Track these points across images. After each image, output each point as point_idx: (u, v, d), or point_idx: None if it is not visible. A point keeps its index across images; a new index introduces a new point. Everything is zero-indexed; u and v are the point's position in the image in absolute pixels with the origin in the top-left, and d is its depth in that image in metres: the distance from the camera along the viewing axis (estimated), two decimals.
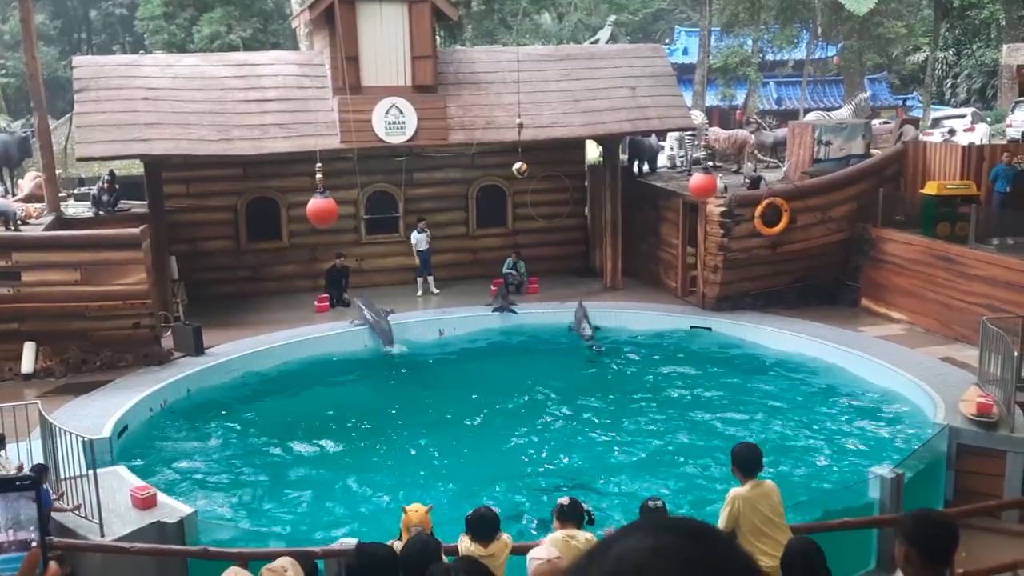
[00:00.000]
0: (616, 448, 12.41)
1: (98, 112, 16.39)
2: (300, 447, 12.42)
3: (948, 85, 44.07)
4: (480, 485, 11.09)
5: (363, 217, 20.09)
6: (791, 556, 5.01)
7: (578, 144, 21.31)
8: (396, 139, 17.32)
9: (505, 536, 6.15)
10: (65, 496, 9.00)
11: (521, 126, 16.10)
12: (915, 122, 22.60)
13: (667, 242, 19.18)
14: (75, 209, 18.71)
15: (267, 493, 11.03)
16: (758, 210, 16.84)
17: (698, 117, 24.84)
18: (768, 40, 38.06)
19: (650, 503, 6.41)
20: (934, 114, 31.75)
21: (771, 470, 8.84)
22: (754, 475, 6.45)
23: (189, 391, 13.94)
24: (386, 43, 17.11)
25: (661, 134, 22.18)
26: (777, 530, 6.33)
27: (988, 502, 9.70)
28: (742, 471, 6.45)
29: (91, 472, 8.54)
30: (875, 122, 26.10)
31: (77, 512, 8.81)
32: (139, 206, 18.12)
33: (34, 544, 1.64)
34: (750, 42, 37.90)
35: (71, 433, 9.37)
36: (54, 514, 8.68)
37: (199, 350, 14.90)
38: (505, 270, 19.28)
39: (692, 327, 17.02)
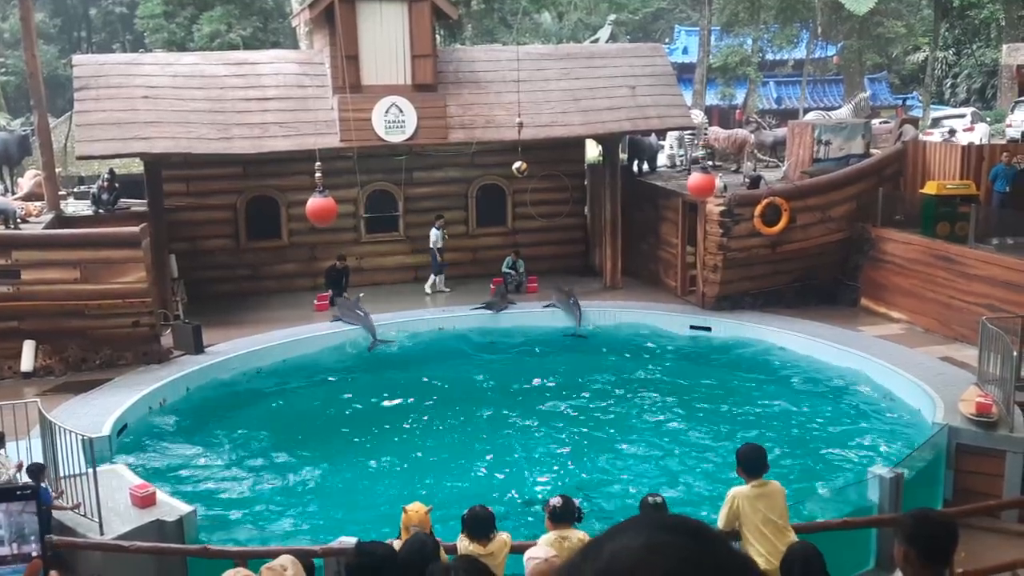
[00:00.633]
0: (616, 447, 12.41)
1: (98, 110, 16.38)
2: (299, 446, 12.42)
3: (948, 85, 44.06)
4: (480, 484, 11.10)
5: (363, 216, 20.09)
6: (790, 560, 5.02)
7: (578, 143, 21.30)
8: (396, 138, 17.32)
9: (504, 535, 6.15)
10: (65, 495, 9.00)
11: (521, 125, 16.09)
12: (915, 122, 22.60)
13: (667, 241, 19.18)
14: (75, 207, 18.71)
15: (266, 491, 11.03)
16: (758, 209, 16.84)
17: (698, 116, 24.84)
18: (768, 39, 38.04)
19: (650, 499, 6.40)
20: (934, 114, 31.73)
21: (770, 469, 8.82)
22: (759, 476, 6.44)
23: (188, 389, 13.94)
24: (386, 42, 17.11)
25: (661, 133, 22.18)
26: (777, 532, 6.31)
27: (987, 502, 9.70)
28: (747, 472, 6.45)
29: (90, 470, 8.54)
30: (875, 122, 26.11)
31: (77, 510, 8.82)
32: (139, 204, 18.13)
33: (34, 555, 1.65)
34: (750, 41, 37.88)
35: (71, 431, 9.38)
36: (54, 512, 8.69)
37: (198, 349, 14.90)
38: (504, 269, 19.29)
39: (691, 327, 17.01)
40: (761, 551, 6.18)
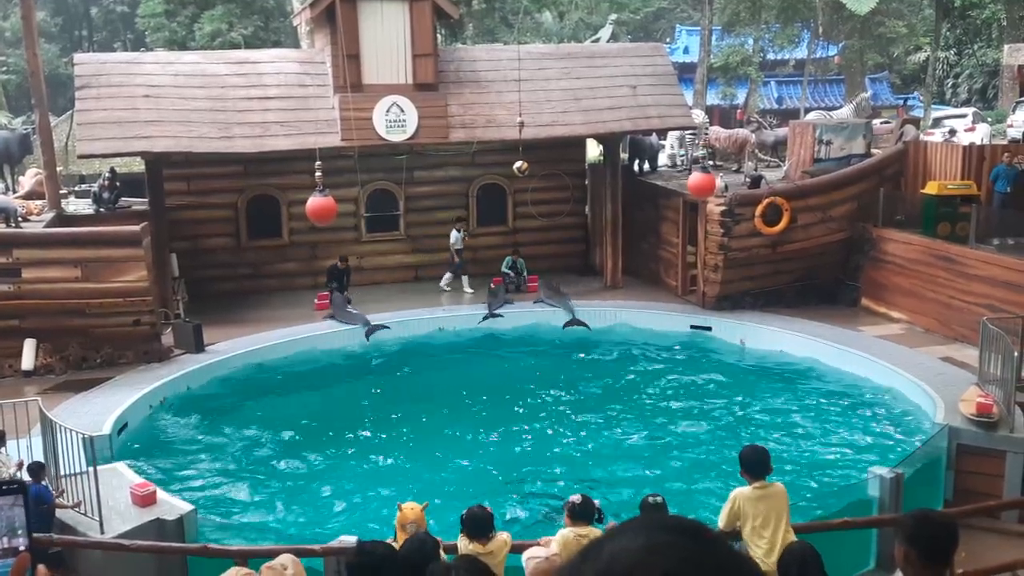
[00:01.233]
0: (616, 446, 12.41)
1: (99, 109, 16.38)
2: (300, 444, 12.43)
3: (949, 85, 44.06)
4: (481, 484, 11.10)
5: (363, 215, 20.09)
6: (787, 560, 5.02)
7: (579, 143, 21.30)
8: (397, 137, 17.32)
9: (504, 535, 6.16)
10: (65, 493, 9.00)
11: (522, 125, 16.09)
12: (916, 122, 22.59)
13: (667, 241, 19.17)
14: (76, 206, 18.71)
15: (267, 490, 11.04)
16: (758, 209, 16.84)
17: (699, 116, 24.83)
18: (769, 39, 38.03)
19: (650, 499, 6.41)
20: (935, 114, 31.72)
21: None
22: (762, 477, 6.44)
23: (189, 388, 13.95)
24: (387, 41, 17.11)
25: (661, 133, 22.18)
26: (777, 533, 6.32)
27: (988, 502, 9.69)
28: (750, 473, 6.46)
29: (91, 469, 8.55)
30: (876, 122, 26.09)
31: (77, 509, 8.82)
32: (140, 203, 18.12)
33: (22, 549, 1.66)
34: (751, 41, 37.88)
35: (71, 430, 9.38)
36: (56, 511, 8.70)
37: (199, 347, 14.91)
38: (503, 269, 19.29)
39: (692, 326, 17.01)
40: (761, 552, 6.18)
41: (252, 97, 17.17)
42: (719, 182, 17.47)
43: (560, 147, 20.28)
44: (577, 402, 14.10)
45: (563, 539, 5.87)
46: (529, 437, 12.79)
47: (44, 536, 7.79)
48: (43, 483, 8.47)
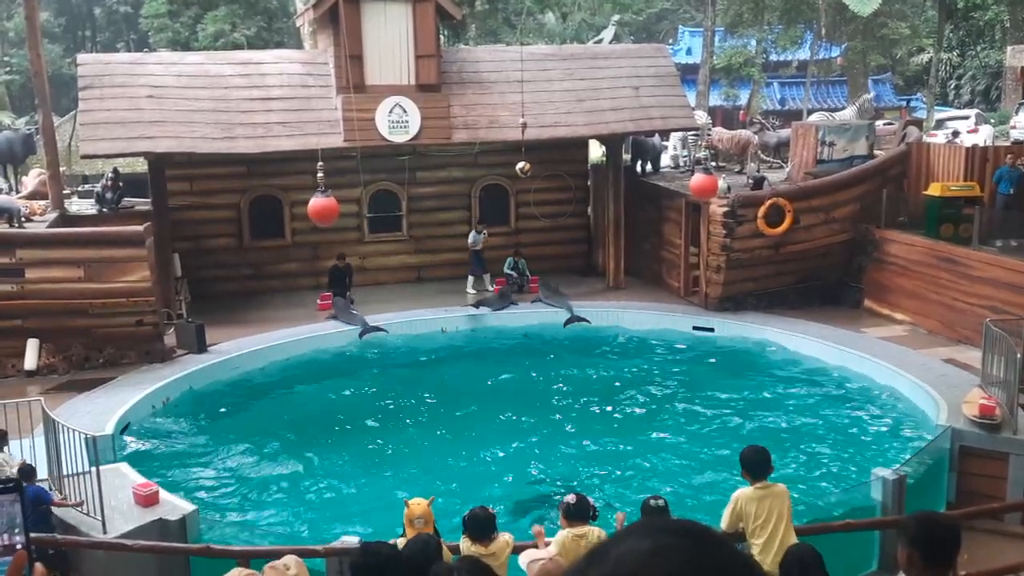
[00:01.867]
0: (618, 448, 12.40)
1: (102, 110, 16.41)
2: (302, 444, 12.43)
3: (952, 86, 44.02)
4: (482, 484, 11.10)
5: (366, 216, 20.11)
6: (788, 562, 5.02)
7: (581, 144, 21.31)
8: (399, 138, 17.33)
9: (506, 535, 6.16)
10: (68, 493, 9.01)
11: (524, 125, 16.10)
12: (919, 123, 22.59)
13: (670, 242, 19.17)
14: (79, 206, 18.74)
15: (269, 490, 11.04)
16: (761, 210, 16.84)
17: (701, 117, 24.83)
18: (772, 40, 38.03)
19: (652, 502, 6.40)
20: (938, 115, 31.68)
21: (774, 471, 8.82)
22: (763, 478, 6.44)
23: (192, 388, 13.96)
24: (390, 42, 17.12)
25: (664, 134, 22.17)
26: (777, 534, 6.31)
27: (990, 504, 9.69)
28: (751, 474, 6.45)
29: (94, 469, 8.55)
30: (879, 123, 26.06)
31: (80, 509, 8.83)
32: (143, 204, 18.15)
33: (19, 547, 1.67)
34: (754, 42, 37.87)
35: (74, 430, 9.38)
36: (57, 511, 8.70)
37: (202, 348, 14.93)
38: (505, 270, 19.29)
39: (694, 327, 17.00)
40: (763, 552, 6.18)
41: (255, 98, 17.19)
42: (721, 183, 17.46)
43: (562, 148, 20.28)
44: (578, 402, 14.08)
45: (561, 540, 5.87)
46: (531, 437, 12.78)
47: (47, 536, 7.81)
48: (36, 484, 8.47)
